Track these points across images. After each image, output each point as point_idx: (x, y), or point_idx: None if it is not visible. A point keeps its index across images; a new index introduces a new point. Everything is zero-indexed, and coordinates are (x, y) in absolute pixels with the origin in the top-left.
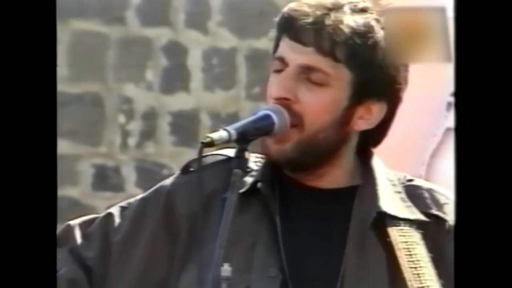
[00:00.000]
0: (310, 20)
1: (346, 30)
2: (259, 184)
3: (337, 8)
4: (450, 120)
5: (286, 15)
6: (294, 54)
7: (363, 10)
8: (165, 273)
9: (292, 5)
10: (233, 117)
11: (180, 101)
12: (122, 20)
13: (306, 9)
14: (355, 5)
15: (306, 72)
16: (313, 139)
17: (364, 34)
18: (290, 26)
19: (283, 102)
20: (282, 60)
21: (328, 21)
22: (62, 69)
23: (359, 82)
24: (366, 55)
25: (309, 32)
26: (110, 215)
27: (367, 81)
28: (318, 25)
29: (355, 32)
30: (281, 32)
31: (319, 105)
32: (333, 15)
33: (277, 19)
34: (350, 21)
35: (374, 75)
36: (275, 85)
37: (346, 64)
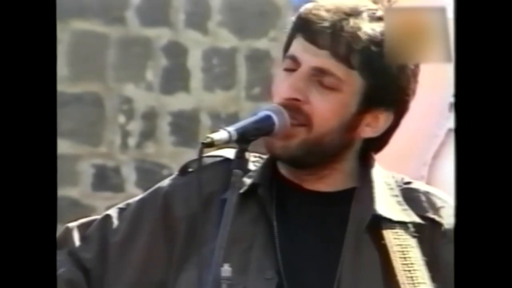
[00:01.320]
0: (328, 23)
1: (364, 37)
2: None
3: (356, 14)
4: (452, 121)
5: (303, 15)
6: (308, 55)
7: (380, 19)
8: (163, 275)
9: (309, 6)
10: (233, 117)
11: (180, 101)
12: (122, 20)
13: (325, 12)
14: (374, 13)
15: (318, 75)
16: (319, 140)
17: (380, 43)
18: (306, 27)
19: (293, 102)
20: (294, 59)
21: (346, 27)
22: (62, 69)
23: (370, 90)
24: (380, 64)
25: (326, 35)
26: (108, 217)
27: (378, 89)
28: (336, 29)
29: (372, 40)
30: (295, 31)
31: (329, 108)
32: (352, 21)
33: (293, 18)
34: (368, 28)
35: (386, 85)
36: (287, 86)
37: (360, 71)
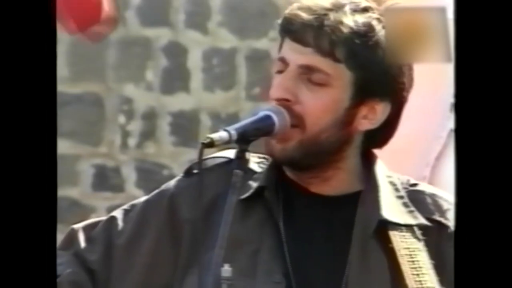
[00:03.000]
0: (309, 20)
1: (345, 30)
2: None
3: (337, 8)
4: (453, 121)
5: (287, 16)
6: (294, 54)
7: (365, 10)
8: (168, 277)
9: (292, 6)
10: (233, 118)
11: (180, 101)
12: (122, 20)
13: (306, 10)
14: (357, 5)
15: (307, 73)
16: (315, 139)
17: (364, 34)
18: (290, 27)
19: (284, 103)
20: (283, 60)
21: (327, 22)
22: (62, 69)
23: (360, 82)
24: (366, 55)
25: (308, 32)
26: (113, 219)
27: (368, 80)
28: (317, 25)
29: (355, 32)
30: (283, 33)
31: (320, 105)
32: (332, 16)
33: (279, 21)
34: (350, 21)
35: (375, 75)
36: (276, 86)
37: (346, 64)
